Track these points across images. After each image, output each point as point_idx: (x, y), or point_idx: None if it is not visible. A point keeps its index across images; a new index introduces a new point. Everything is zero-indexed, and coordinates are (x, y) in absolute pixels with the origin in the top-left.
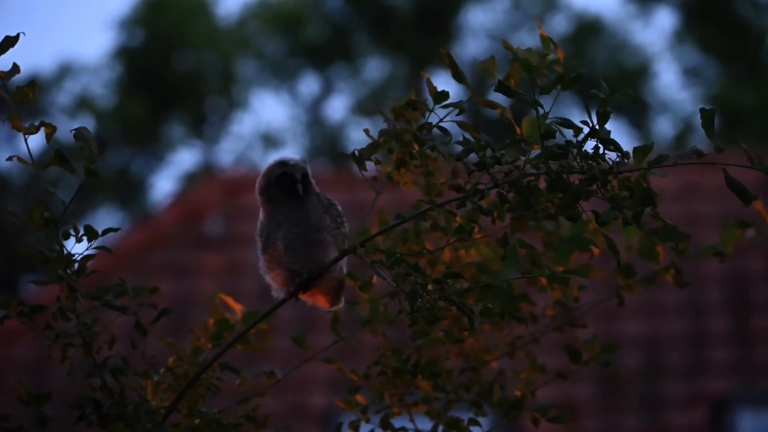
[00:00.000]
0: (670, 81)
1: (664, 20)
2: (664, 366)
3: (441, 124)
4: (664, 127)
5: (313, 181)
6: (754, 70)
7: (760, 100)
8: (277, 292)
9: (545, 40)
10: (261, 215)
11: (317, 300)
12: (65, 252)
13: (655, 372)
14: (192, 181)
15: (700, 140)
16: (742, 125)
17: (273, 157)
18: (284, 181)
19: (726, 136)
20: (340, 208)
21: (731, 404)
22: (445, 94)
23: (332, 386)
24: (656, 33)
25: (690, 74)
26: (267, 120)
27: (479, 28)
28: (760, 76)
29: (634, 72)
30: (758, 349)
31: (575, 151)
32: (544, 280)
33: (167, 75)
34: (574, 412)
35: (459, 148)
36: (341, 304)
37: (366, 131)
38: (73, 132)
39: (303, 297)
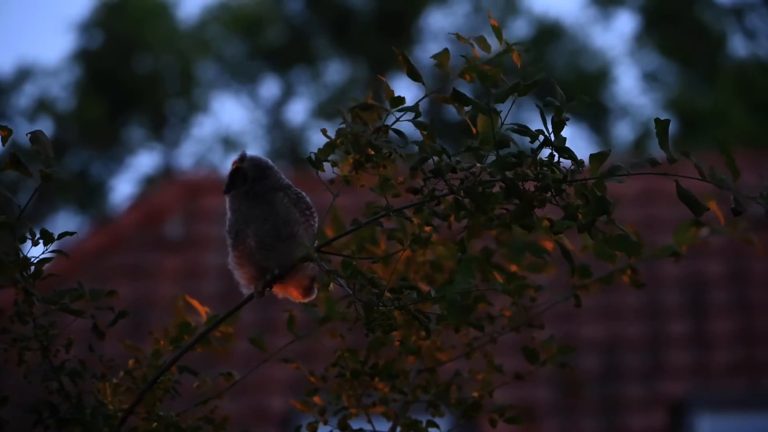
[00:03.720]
0: (629, 85)
1: (624, 24)
2: (622, 369)
3: (399, 124)
4: (623, 132)
5: (278, 175)
6: (713, 74)
7: (719, 105)
8: (246, 289)
9: (498, 32)
10: (228, 212)
11: (289, 293)
12: (21, 256)
13: (613, 374)
14: (152, 183)
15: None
16: (701, 129)
17: (233, 160)
18: (228, 175)
19: (684, 142)
20: (309, 200)
21: (689, 407)
22: (400, 99)
23: (291, 388)
24: (616, 37)
25: (649, 78)
26: (227, 123)
27: (439, 32)
28: (719, 80)
29: (594, 76)
30: (716, 351)
31: (530, 158)
32: (499, 277)
33: (127, 77)
34: (532, 415)
35: (415, 148)
36: (314, 296)
37: (323, 131)
38: (29, 135)
39: (275, 290)
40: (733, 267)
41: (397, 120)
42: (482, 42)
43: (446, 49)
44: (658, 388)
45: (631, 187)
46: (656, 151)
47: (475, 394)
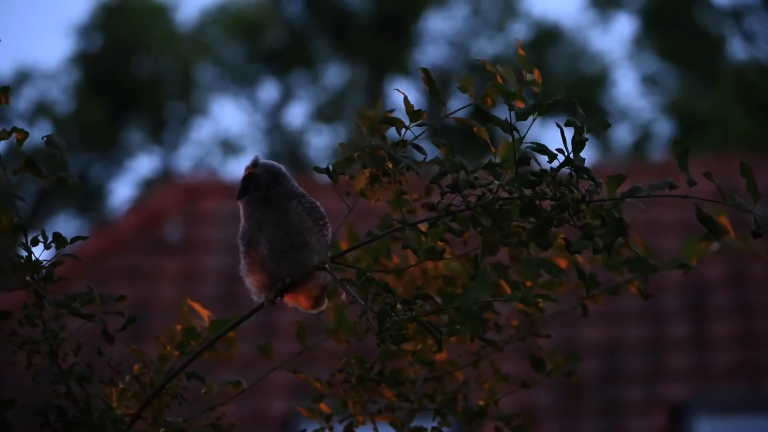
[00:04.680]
0: (628, 88)
1: (623, 27)
2: (622, 372)
3: (409, 134)
4: (622, 135)
5: (291, 182)
6: (712, 77)
7: (718, 107)
8: (257, 296)
9: (524, 62)
10: (242, 218)
11: (300, 302)
12: (33, 259)
13: (614, 377)
14: (151, 186)
15: (658, 147)
16: (700, 132)
17: (232, 163)
18: (241, 181)
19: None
20: (322, 209)
21: (689, 410)
22: (420, 113)
23: (292, 392)
24: (615, 40)
25: (648, 82)
26: (226, 126)
27: (439, 35)
28: (718, 83)
29: (593, 79)
30: (716, 354)
31: (549, 177)
32: (508, 289)
33: (126, 80)
34: (533, 418)
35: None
36: (324, 306)
37: (341, 144)
38: (45, 139)
39: (286, 299)
40: (733, 270)
41: (417, 137)
42: (508, 72)
43: (470, 77)
44: (659, 390)
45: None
46: (656, 154)
47: (481, 403)
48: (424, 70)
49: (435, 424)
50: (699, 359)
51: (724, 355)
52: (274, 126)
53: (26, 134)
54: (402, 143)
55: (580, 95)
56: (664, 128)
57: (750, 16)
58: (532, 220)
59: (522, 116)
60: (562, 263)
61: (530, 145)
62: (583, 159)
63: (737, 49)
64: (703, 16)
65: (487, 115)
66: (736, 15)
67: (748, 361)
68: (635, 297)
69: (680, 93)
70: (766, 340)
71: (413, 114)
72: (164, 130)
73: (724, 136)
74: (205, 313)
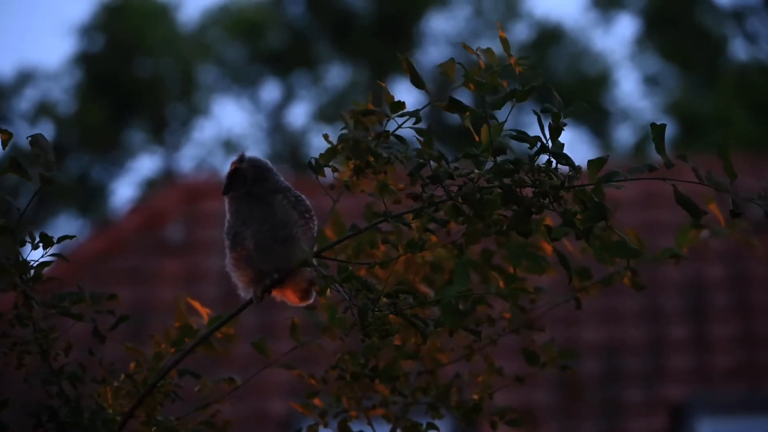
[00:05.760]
0: (630, 89)
1: (625, 28)
2: (622, 372)
3: (400, 130)
4: (624, 135)
5: (277, 177)
6: (713, 77)
7: (720, 108)
8: (244, 292)
9: (505, 43)
10: (227, 214)
11: (287, 296)
12: (21, 259)
13: (614, 378)
14: (153, 187)
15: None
16: (702, 133)
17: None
18: (227, 176)
19: (684, 146)
20: (308, 203)
21: (690, 410)
22: (401, 104)
23: (292, 392)
24: (617, 41)
25: (650, 82)
26: (228, 126)
27: (440, 36)
28: (720, 83)
29: (595, 80)
30: (716, 355)
31: (526, 165)
32: (502, 284)
33: (128, 81)
34: (533, 418)
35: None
36: (312, 299)
37: (325, 136)
38: (29, 139)
39: (274, 293)
40: (734, 270)
41: (399, 126)
42: (490, 53)
43: (452, 59)
44: (659, 391)
45: (631, 190)
46: (656, 154)
47: (475, 397)
48: (404, 59)
49: (430, 418)
50: (699, 360)
51: (725, 356)
52: (275, 126)
53: (10, 135)
54: (384, 134)
55: (582, 95)
56: (665, 129)
57: (751, 17)
58: (515, 207)
59: (497, 105)
60: (549, 250)
61: (509, 132)
62: (562, 145)
63: (739, 50)
64: (704, 16)
65: (462, 106)
66: (738, 16)
67: (748, 362)
68: (635, 297)
69: (682, 93)
70: (766, 341)
71: (394, 105)
72: (166, 131)
73: (725, 137)
74: (204, 311)
